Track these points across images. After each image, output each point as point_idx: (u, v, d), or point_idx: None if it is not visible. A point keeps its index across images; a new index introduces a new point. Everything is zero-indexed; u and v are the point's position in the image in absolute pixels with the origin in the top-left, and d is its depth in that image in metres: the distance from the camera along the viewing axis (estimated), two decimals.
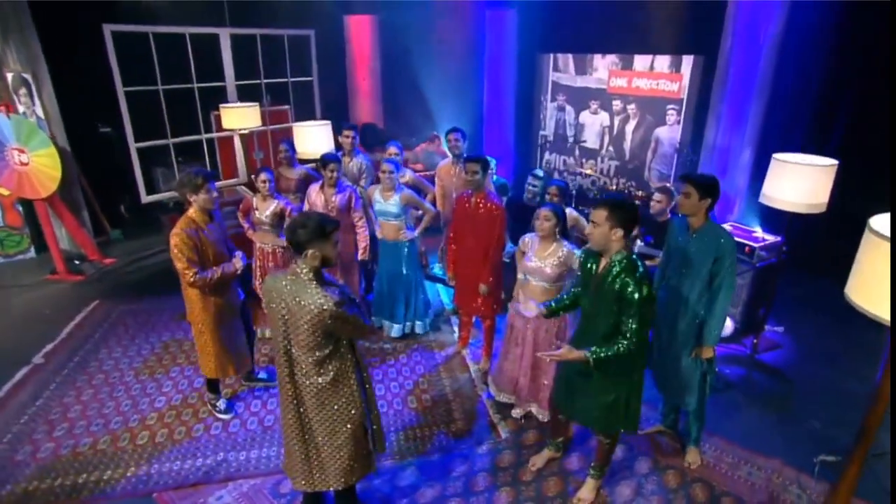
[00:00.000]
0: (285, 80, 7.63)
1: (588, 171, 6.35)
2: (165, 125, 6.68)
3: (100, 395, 3.82)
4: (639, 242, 4.04)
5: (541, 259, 3.16)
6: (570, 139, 7.45)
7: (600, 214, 2.42)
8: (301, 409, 2.32)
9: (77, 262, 6.03)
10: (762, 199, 4.05)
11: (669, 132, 6.62)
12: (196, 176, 3.05)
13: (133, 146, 6.54)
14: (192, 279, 3.05)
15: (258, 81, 7.37)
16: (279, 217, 4.14)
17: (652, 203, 4.39)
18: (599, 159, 7.33)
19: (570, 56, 7.25)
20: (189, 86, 6.78)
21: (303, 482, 2.42)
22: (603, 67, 6.96)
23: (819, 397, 3.75)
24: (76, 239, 6.09)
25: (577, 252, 3.07)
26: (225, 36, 6.90)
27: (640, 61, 6.62)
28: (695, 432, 3.20)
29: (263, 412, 3.65)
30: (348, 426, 2.35)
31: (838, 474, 2.96)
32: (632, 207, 2.47)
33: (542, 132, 7.90)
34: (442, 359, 4.24)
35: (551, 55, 7.42)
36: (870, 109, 4.94)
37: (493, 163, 5.17)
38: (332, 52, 8.10)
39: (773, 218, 4.65)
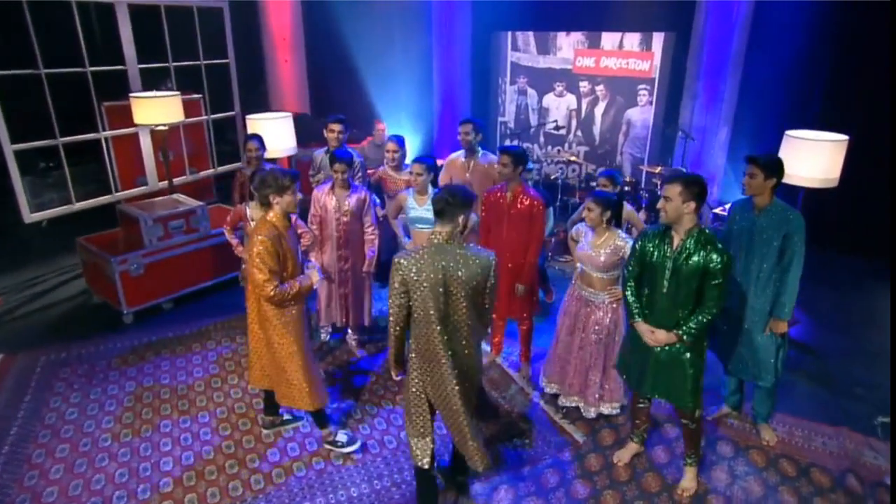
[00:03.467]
0: (197, 62, 7.27)
1: (571, 159, 6.88)
2: (52, 121, 6.06)
3: (76, 468, 3.48)
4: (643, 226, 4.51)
5: (593, 248, 3.55)
6: (538, 125, 7.97)
7: (674, 189, 2.82)
8: (466, 384, 2.79)
9: None
10: None
11: (641, 113, 7.39)
12: (283, 176, 3.07)
13: (9, 149, 5.85)
14: (271, 292, 3.01)
15: (165, 64, 6.95)
16: None
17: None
18: (567, 145, 7.93)
19: (530, 34, 7.77)
20: (80, 69, 6.22)
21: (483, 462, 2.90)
22: (568, 46, 7.57)
23: (845, 364, 4.53)
24: None
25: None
26: (122, 7, 6.43)
27: (609, 39, 7.31)
28: (767, 409, 3.73)
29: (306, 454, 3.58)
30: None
31: None
32: (702, 180, 2.91)
33: (501, 118, 8.35)
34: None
35: (509, 33, 7.90)
36: (844, 83, 5.98)
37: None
38: (248, 29, 7.86)
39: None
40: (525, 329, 4.37)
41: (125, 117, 6.22)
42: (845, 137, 4.49)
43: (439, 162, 4.84)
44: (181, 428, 3.81)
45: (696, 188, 2.81)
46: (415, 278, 2.61)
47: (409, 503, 3.25)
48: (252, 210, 4.06)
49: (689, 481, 3.32)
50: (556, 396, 4.02)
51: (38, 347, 4.71)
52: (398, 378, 2.98)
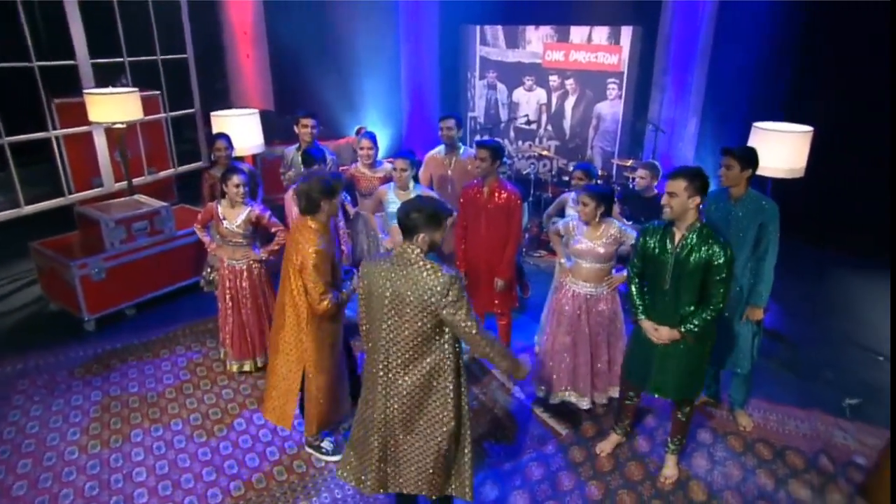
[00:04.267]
0: (154, 57, 7.16)
1: (543, 153, 7.01)
2: None
3: (41, 483, 3.41)
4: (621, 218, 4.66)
5: (592, 239, 3.63)
6: (508, 120, 8.09)
7: (678, 184, 2.92)
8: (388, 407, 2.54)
9: None
10: None
11: (611, 107, 7.59)
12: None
13: None
14: (328, 305, 3.01)
15: (120, 59, 6.82)
16: (254, 225, 4.05)
17: (637, 179, 5.13)
18: (537, 140, 8.08)
19: (499, 28, 7.89)
20: (26, 64, 6.06)
21: (373, 484, 2.65)
22: (537, 40, 7.71)
23: (817, 350, 4.78)
24: None
25: (634, 234, 3.59)
26: (71, 1, 6.29)
27: (577, 33, 7.49)
28: (743, 395, 3.91)
29: (287, 459, 3.59)
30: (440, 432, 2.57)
31: (866, 414, 3.92)
32: (704, 172, 3.04)
33: (471, 114, 8.44)
34: None
35: (478, 27, 8.00)
36: (808, 76, 6.26)
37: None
38: (207, 23, 7.76)
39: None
40: (504, 324, 4.46)
41: (78, 115, 6.08)
42: (810, 129, 4.73)
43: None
44: (153, 437, 3.77)
45: (700, 181, 2.90)
46: (367, 289, 2.53)
47: None
48: (223, 209, 4.04)
49: (670, 468, 3.46)
50: (546, 398, 4.00)
51: None
52: None
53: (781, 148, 4.71)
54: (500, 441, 3.76)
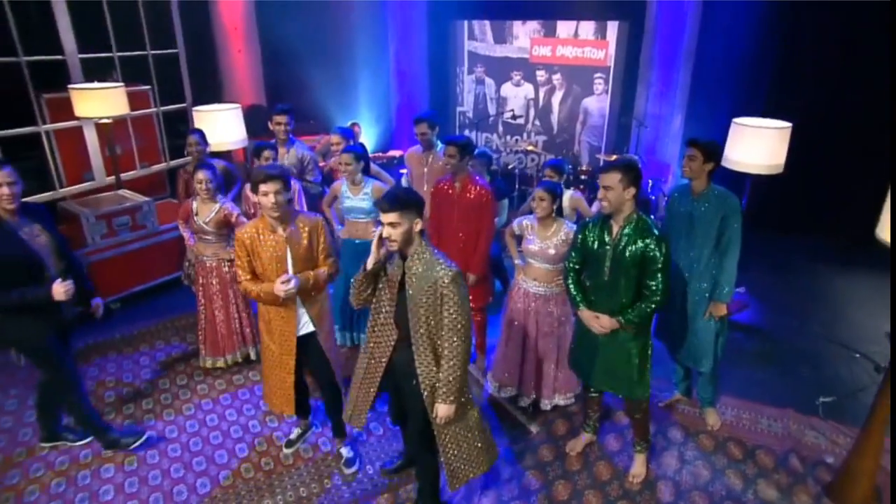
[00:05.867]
0: (144, 52, 6.98)
1: (529, 148, 6.84)
2: None
3: (8, 479, 3.30)
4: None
5: (543, 240, 3.50)
6: (496, 115, 7.91)
7: (613, 177, 2.78)
8: None
9: None
10: (724, 163, 4.82)
11: (598, 102, 7.40)
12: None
13: None
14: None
15: (109, 54, 6.64)
16: (223, 224, 3.91)
17: None
18: (525, 134, 7.90)
19: (487, 23, 7.69)
20: (13, 59, 5.89)
21: None
22: (524, 35, 7.51)
23: (795, 347, 4.63)
24: None
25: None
26: None
27: (564, 28, 7.28)
28: (710, 394, 3.77)
29: (255, 455, 3.48)
30: None
31: (840, 412, 3.77)
32: (637, 163, 2.91)
33: (459, 108, 8.26)
34: None
35: (466, 22, 7.80)
36: (793, 70, 6.07)
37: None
38: (198, 17, 7.57)
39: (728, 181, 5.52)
40: (479, 320, 4.33)
41: (68, 110, 5.92)
42: (788, 125, 4.55)
43: (393, 153, 4.77)
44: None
45: (634, 172, 2.79)
46: None
47: (360, 500, 3.18)
48: (197, 205, 3.90)
49: (638, 468, 3.34)
50: (513, 399, 3.92)
51: None
52: None
53: (760, 144, 4.54)
54: None
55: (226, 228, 3.91)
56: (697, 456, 3.51)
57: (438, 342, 2.53)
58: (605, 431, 3.69)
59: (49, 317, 3.05)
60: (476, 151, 4.98)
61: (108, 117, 5.67)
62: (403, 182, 4.98)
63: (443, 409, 2.55)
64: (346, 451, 3.39)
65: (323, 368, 3.20)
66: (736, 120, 4.65)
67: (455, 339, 2.47)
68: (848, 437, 3.61)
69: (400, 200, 2.42)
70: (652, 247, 2.79)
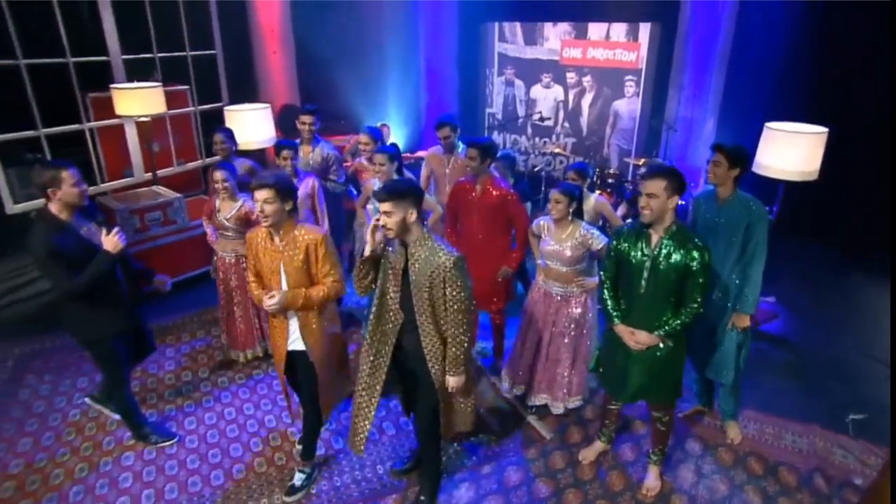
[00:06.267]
0: (183, 53, 7.14)
1: (556, 150, 6.72)
2: (33, 112, 5.95)
3: (37, 463, 3.40)
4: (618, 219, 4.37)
5: (559, 242, 3.41)
6: (524, 117, 7.80)
7: (657, 184, 2.65)
8: None
9: None
10: (756, 169, 4.62)
11: (628, 105, 7.21)
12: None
13: None
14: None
15: (150, 55, 6.82)
16: (244, 221, 3.94)
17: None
18: (554, 137, 7.77)
19: (517, 25, 7.59)
20: (61, 60, 6.10)
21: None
22: (555, 37, 7.38)
23: (826, 360, 4.40)
24: None
25: (602, 238, 3.36)
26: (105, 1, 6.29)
27: (595, 30, 7.12)
28: (731, 406, 3.60)
29: (269, 450, 3.50)
30: None
31: (872, 430, 3.56)
32: (680, 171, 2.77)
33: (489, 110, 8.18)
34: None
35: (497, 24, 7.71)
36: (829, 76, 5.79)
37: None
38: (236, 20, 7.70)
39: (760, 187, 5.31)
40: (498, 323, 4.27)
41: (111, 109, 6.09)
42: (825, 130, 4.33)
43: (421, 153, 4.74)
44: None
45: (679, 180, 2.67)
46: None
47: (368, 500, 3.16)
48: (220, 201, 3.95)
49: (652, 480, 3.22)
50: (522, 397, 3.88)
51: (12, 339, 4.63)
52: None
53: (794, 149, 4.35)
54: (483, 442, 3.57)
55: (246, 226, 3.94)
56: (715, 470, 3.37)
57: (442, 323, 2.67)
58: (621, 441, 3.58)
59: (118, 316, 3.13)
60: (499, 153, 4.91)
61: (146, 116, 5.81)
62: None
63: (453, 381, 2.75)
64: (297, 478, 3.19)
65: (306, 390, 3.01)
66: (769, 125, 4.47)
67: (460, 316, 2.61)
68: (879, 457, 3.41)
69: (395, 190, 2.53)
70: (695, 257, 2.66)
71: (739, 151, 3.23)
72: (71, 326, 3.15)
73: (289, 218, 2.79)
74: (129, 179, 6.78)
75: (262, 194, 2.66)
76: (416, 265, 2.60)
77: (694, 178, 6.78)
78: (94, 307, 3.03)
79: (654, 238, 2.75)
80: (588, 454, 3.43)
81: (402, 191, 2.53)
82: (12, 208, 5.95)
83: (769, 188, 4.58)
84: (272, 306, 2.75)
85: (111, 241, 2.88)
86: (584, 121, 7.56)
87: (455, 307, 2.60)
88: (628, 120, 7.26)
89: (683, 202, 6.38)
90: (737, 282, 3.27)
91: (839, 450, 3.51)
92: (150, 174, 6.65)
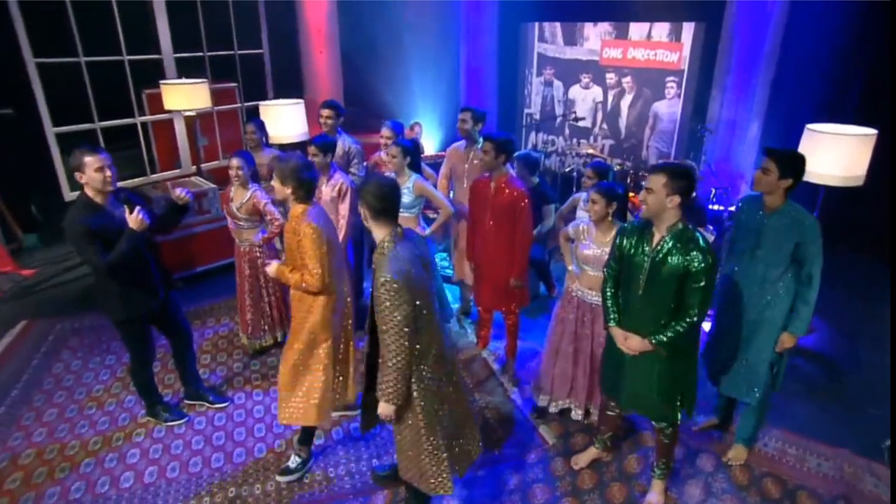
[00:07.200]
0: (232, 52, 7.28)
1: (590, 151, 6.44)
2: (91, 106, 6.21)
3: (57, 433, 3.48)
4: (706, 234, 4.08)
5: (600, 246, 3.12)
6: (560, 117, 7.54)
7: (658, 180, 2.43)
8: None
9: None
10: None
11: (669, 106, 6.83)
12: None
13: (51, 132, 6.04)
14: (325, 281, 2.84)
15: (200, 54, 6.99)
16: (253, 210, 3.91)
17: None
18: (592, 138, 7.46)
19: (557, 25, 7.33)
20: (118, 58, 6.33)
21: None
22: (595, 37, 7.08)
23: (864, 381, 3.98)
24: None
25: None
26: (160, 1, 6.48)
27: (637, 30, 6.78)
28: (750, 430, 3.22)
29: (270, 437, 3.45)
30: None
31: None
32: (691, 173, 2.51)
33: (527, 110, 7.96)
34: (461, 363, 4.16)
35: (537, 24, 7.48)
36: (885, 78, 5.28)
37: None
38: (283, 20, 7.79)
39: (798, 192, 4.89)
40: (511, 323, 4.07)
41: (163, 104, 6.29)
42: (873, 132, 3.92)
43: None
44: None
45: (684, 181, 2.42)
46: (413, 286, 2.26)
47: (361, 493, 3.05)
48: (234, 190, 3.96)
49: (655, 495, 2.96)
50: (565, 411, 3.56)
51: (56, 316, 4.80)
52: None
53: (837, 153, 3.95)
54: (483, 443, 3.37)
55: (257, 215, 3.91)
56: (727, 489, 3.07)
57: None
58: (627, 451, 3.33)
59: (147, 299, 3.17)
60: (520, 153, 4.71)
61: (192, 110, 5.93)
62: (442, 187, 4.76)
63: (381, 408, 2.41)
64: (291, 460, 3.15)
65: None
66: (810, 126, 4.08)
67: (386, 338, 2.26)
68: None
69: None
70: (698, 260, 2.40)
71: (794, 160, 2.79)
72: (104, 307, 3.21)
73: (294, 201, 2.86)
74: (176, 171, 6.97)
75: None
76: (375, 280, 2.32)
77: (734, 182, 6.36)
78: (124, 289, 3.07)
79: (657, 237, 2.52)
80: (580, 459, 3.21)
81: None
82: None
83: (809, 192, 4.19)
84: (268, 273, 3.02)
85: (134, 220, 2.90)
86: (622, 122, 7.22)
87: (383, 328, 2.27)
88: (668, 122, 6.88)
89: (723, 207, 5.99)
90: (769, 298, 2.90)
91: (871, 478, 3.14)
92: (195, 166, 6.82)
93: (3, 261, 5.59)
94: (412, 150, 3.93)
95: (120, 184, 3.08)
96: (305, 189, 2.85)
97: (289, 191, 2.82)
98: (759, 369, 3.01)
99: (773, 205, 2.84)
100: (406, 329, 2.23)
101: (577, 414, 3.48)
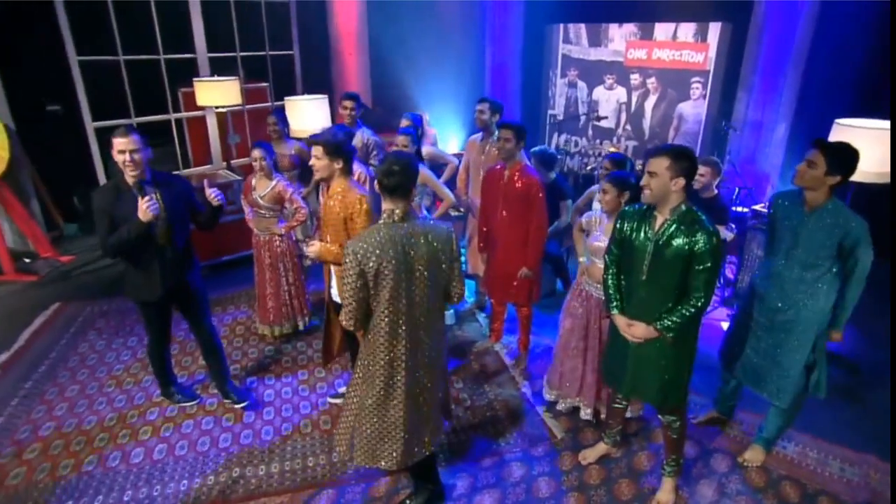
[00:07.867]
0: (263, 52, 7.35)
1: (612, 150, 6.27)
2: (128, 102, 6.33)
3: (76, 408, 3.51)
4: (726, 233, 3.91)
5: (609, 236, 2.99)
6: (582, 116, 7.38)
7: (660, 163, 2.30)
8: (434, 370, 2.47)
9: (27, 260, 5.63)
10: None
11: (694, 108, 6.61)
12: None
13: (90, 126, 6.17)
14: None
15: (233, 54, 7.07)
16: (277, 200, 3.89)
17: (696, 177, 4.31)
18: (616, 139, 7.28)
19: (582, 26, 7.19)
20: (155, 57, 6.45)
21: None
22: (620, 38, 6.91)
23: (889, 384, 3.71)
24: (27, 233, 5.69)
25: None
26: (195, 1, 6.59)
27: (662, 30, 6.59)
28: (774, 432, 3.01)
29: (279, 420, 3.40)
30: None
31: None
32: (692, 153, 2.37)
33: (550, 111, 7.82)
34: (473, 355, 4.06)
35: (561, 25, 7.35)
36: None
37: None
38: (315, 22, 7.85)
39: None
40: (524, 315, 3.95)
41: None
42: None
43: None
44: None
45: (686, 162, 2.30)
46: (374, 266, 2.18)
47: (363, 478, 2.97)
48: (256, 180, 3.94)
49: (665, 494, 2.80)
50: (575, 409, 3.42)
51: (88, 299, 4.88)
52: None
53: (867, 147, 3.67)
54: (490, 435, 3.29)
55: (279, 204, 3.89)
56: (742, 491, 2.89)
57: None
58: (637, 448, 3.16)
59: (165, 282, 3.11)
60: (536, 150, 4.59)
61: (223, 106, 5.99)
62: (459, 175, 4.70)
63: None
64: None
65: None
66: (838, 120, 3.87)
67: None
68: None
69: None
70: (702, 241, 2.27)
71: (846, 155, 2.53)
72: (126, 289, 3.22)
73: (339, 175, 2.84)
74: (208, 166, 7.05)
75: (314, 150, 2.82)
76: None
77: (760, 183, 6.11)
78: (134, 272, 3.08)
79: (659, 220, 2.38)
80: (588, 455, 3.06)
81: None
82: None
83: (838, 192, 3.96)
84: (309, 254, 2.86)
85: (141, 210, 2.86)
86: (646, 123, 7.02)
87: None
88: (693, 123, 6.66)
89: (746, 209, 5.74)
90: (804, 299, 2.67)
91: None
92: (225, 162, 6.90)
93: (44, 247, 5.74)
94: (419, 139, 3.87)
95: (180, 172, 3.05)
96: (350, 162, 2.89)
97: (339, 165, 2.80)
98: (791, 372, 2.78)
99: (815, 202, 2.59)
100: (352, 293, 2.22)
101: (586, 413, 3.33)
